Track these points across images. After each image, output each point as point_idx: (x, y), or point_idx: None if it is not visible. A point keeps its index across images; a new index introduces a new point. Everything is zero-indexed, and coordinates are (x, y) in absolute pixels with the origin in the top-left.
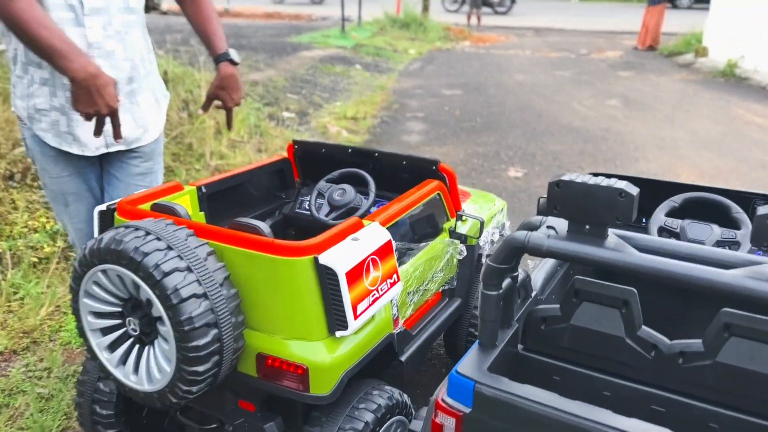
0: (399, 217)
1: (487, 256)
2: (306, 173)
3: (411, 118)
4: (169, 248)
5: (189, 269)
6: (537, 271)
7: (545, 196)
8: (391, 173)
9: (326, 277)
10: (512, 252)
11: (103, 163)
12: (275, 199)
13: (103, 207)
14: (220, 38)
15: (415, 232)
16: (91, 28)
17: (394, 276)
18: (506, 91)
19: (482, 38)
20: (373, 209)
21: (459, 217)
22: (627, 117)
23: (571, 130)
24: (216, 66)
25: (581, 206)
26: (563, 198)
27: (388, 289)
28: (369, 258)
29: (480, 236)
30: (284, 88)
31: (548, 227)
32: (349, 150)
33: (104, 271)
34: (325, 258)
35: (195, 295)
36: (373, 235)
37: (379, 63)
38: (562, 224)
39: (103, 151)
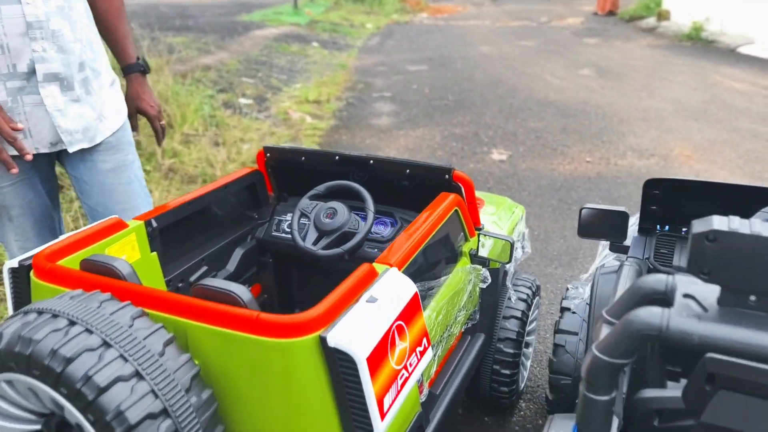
0: (418, 250)
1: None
2: (282, 186)
3: (378, 99)
4: (106, 345)
5: (138, 375)
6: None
7: (588, 206)
8: (391, 185)
9: (339, 364)
10: (638, 342)
11: (66, 166)
12: (245, 220)
13: (14, 263)
14: (131, 43)
15: (433, 263)
16: (28, 4)
17: (424, 341)
18: (474, 65)
19: (439, 9)
20: (377, 232)
21: (478, 235)
22: (603, 87)
23: (548, 105)
24: (126, 76)
25: (750, 269)
26: (720, 257)
27: (419, 361)
28: (393, 326)
29: (510, 259)
30: (238, 72)
31: (685, 296)
32: (336, 157)
33: (10, 382)
34: (335, 337)
35: (150, 416)
36: (394, 288)
37: (337, 39)
38: (705, 292)
39: (61, 147)
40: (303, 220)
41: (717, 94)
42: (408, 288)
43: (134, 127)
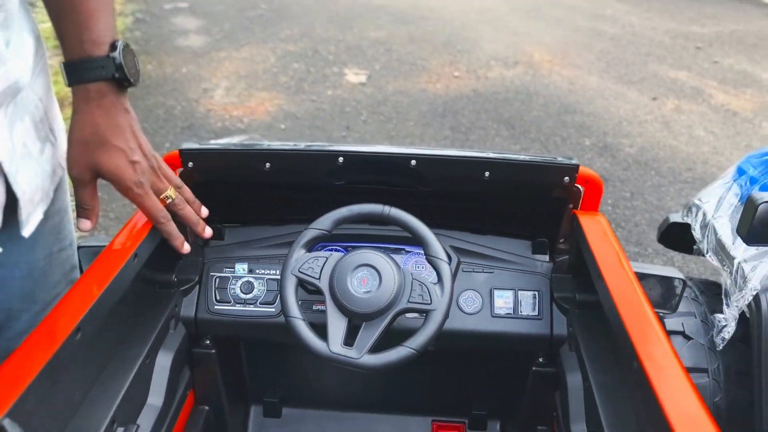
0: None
1: None
2: (213, 212)
3: (174, 12)
4: None
5: None
6: None
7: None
8: (451, 197)
9: None
10: None
11: None
12: (156, 297)
13: None
14: (106, 15)
15: None
16: None
17: None
18: None
19: None
20: (419, 280)
21: None
22: None
23: (378, 10)
24: (75, 85)
25: None
26: None
27: None
28: None
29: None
30: None
31: None
32: (340, 159)
33: None
34: None
35: None
36: None
37: None
38: None
39: None
40: (309, 297)
41: None
42: None
43: (84, 206)
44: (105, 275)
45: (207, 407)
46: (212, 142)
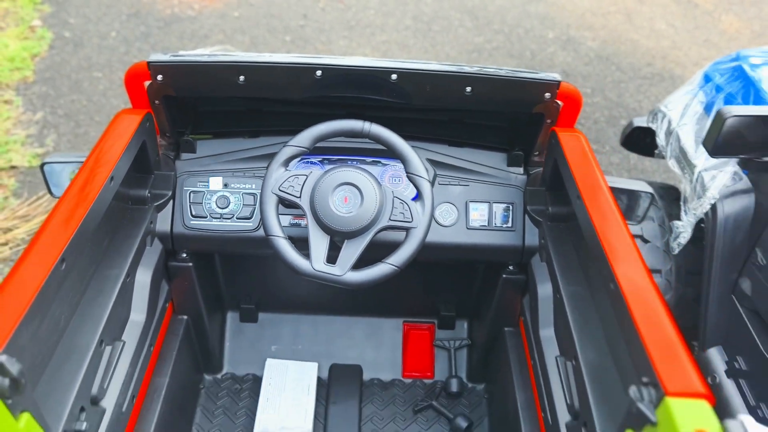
0: None
1: None
2: (183, 123)
3: None
4: None
5: None
6: None
7: (735, 113)
8: (430, 110)
9: None
10: None
11: None
12: (134, 209)
13: None
14: None
15: None
16: None
17: None
18: None
19: None
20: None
21: None
22: None
23: None
24: None
25: None
26: None
27: None
28: None
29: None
30: None
31: None
32: (318, 72)
33: None
34: None
35: None
36: None
37: None
38: None
39: None
40: (285, 211)
41: None
42: None
43: None
44: (83, 202)
45: (186, 317)
46: (182, 53)
